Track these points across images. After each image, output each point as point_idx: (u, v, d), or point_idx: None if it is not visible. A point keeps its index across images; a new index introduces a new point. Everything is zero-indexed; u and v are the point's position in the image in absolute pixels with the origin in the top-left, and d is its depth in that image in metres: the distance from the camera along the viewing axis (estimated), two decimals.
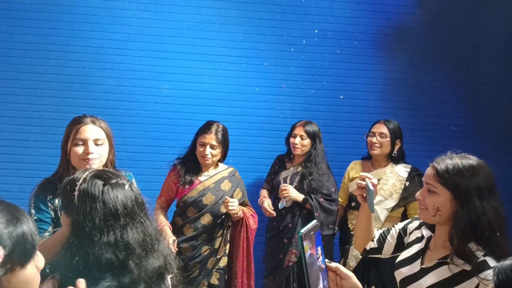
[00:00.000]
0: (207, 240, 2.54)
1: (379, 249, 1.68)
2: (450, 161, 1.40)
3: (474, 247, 1.34)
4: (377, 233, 1.71)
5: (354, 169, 2.90)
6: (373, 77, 3.49)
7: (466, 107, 3.59)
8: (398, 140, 2.79)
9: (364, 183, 1.53)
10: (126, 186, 1.24)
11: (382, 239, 1.68)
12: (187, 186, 2.52)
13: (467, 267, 1.33)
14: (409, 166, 2.78)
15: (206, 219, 2.53)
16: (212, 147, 2.49)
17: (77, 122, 1.88)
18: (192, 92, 3.38)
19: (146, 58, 3.34)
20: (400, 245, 1.62)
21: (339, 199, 2.93)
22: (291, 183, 2.90)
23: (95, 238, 1.15)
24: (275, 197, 3.00)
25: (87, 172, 1.27)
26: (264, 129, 3.43)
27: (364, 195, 1.54)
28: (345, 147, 3.44)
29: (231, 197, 2.54)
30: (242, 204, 2.66)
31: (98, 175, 1.26)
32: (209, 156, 2.48)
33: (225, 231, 2.61)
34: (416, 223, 1.62)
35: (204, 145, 2.49)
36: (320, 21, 3.42)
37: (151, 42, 3.34)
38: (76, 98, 3.27)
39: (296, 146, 2.88)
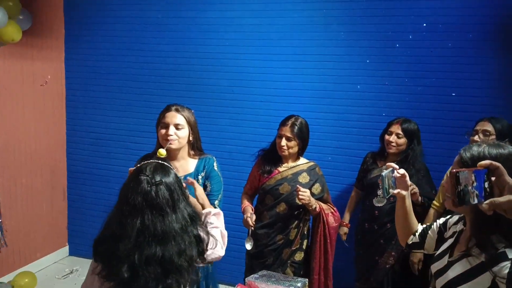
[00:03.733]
0: (281, 229, 2.61)
1: (420, 244, 1.64)
2: (477, 148, 1.32)
3: (497, 239, 1.24)
4: (419, 228, 1.67)
5: None
6: (489, 72, 3.11)
7: None
8: (506, 140, 2.49)
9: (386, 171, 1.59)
10: (144, 184, 1.42)
11: (423, 234, 1.64)
12: (266, 175, 2.67)
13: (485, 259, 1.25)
14: None
15: (281, 207, 2.61)
16: (287, 138, 2.58)
17: (165, 109, 2.25)
18: (296, 91, 3.55)
19: (256, 61, 3.64)
20: (441, 240, 1.56)
21: (436, 203, 2.75)
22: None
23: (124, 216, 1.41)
24: (367, 195, 2.95)
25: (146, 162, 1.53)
26: (365, 127, 3.38)
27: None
28: (456, 149, 3.17)
29: (310, 190, 2.57)
30: (321, 199, 2.66)
31: (141, 168, 1.49)
32: (285, 147, 2.58)
33: (301, 224, 2.65)
34: (455, 218, 1.55)
35: (280, 136, 2.61)
36: (428, 14, 3.19)
37: (261, 46, 3.62)
38: (197, 97, 3.77)
39: (391, 144, 2.80)
